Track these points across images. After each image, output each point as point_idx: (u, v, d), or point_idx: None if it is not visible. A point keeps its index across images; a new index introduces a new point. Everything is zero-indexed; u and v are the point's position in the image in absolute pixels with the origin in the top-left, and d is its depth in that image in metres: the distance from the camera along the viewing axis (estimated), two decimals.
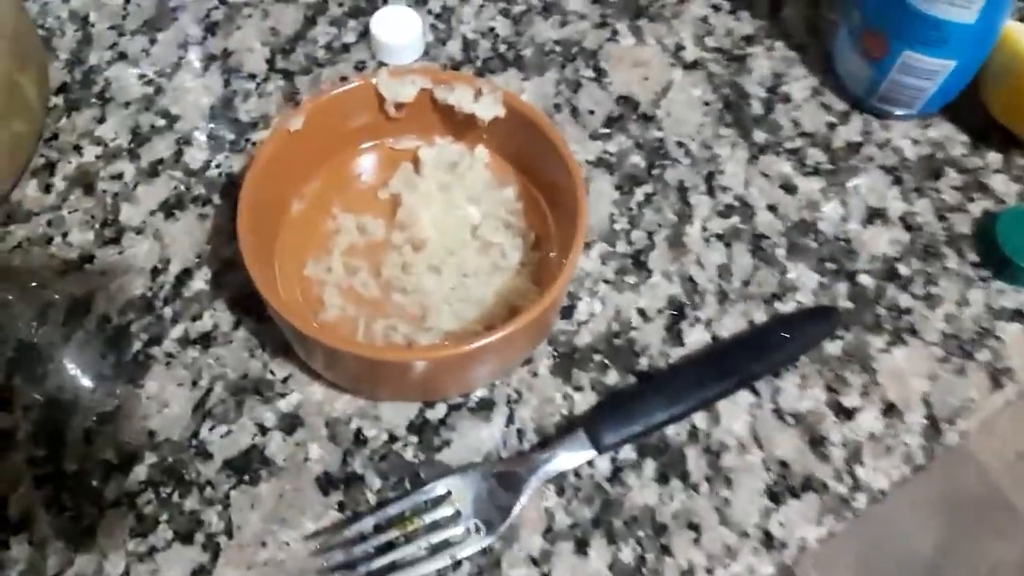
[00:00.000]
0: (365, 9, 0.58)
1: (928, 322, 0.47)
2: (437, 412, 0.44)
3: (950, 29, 0.47)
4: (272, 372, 0.45)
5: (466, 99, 0.44)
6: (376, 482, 0.42)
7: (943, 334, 0.46)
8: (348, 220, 0.46)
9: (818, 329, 0.45)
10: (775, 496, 0.41)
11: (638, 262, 0.48)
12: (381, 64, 0.56)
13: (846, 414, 0.44)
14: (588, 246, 0.49)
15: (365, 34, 0.57)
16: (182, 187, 0.51)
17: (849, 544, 1.21)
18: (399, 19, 0.55)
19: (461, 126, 0.46)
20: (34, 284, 0.47)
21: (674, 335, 0.46)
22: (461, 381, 0.42)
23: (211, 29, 0.58)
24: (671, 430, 0.43)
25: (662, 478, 0.42)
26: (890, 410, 0.44)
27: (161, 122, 0.54)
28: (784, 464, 0.42)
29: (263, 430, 0.43)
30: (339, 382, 0.43)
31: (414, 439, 0.43)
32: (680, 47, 0.57)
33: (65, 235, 0.49)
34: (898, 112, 0.53)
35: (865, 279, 0.48)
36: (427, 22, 0.58)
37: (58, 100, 0.55)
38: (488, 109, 0.44)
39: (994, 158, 0.53)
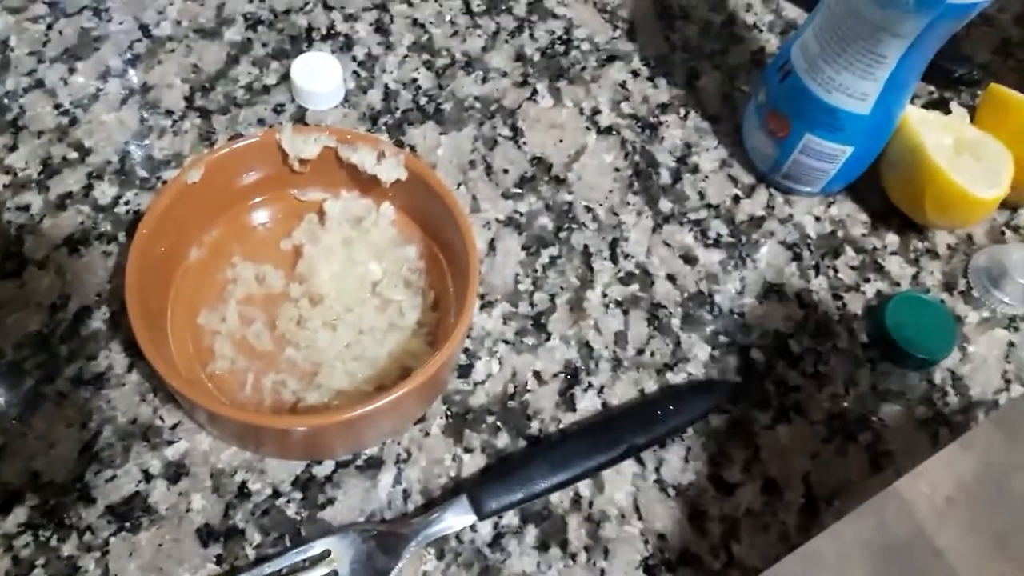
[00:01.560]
0: (288, 52, 0.59)
1: (814, 400, 0.48)
2: (324, 469, 0.44)
3: (846, 118, 0.48)
4: (161, 418, 0.44)
5: (369, 160, 0.45)
6: (256, 537, 0.42)
7: (828, 413, 0.48)
8: (247, 269, 0.46)
9: (705, 403, 0.46)
10: (651, 569, 0.42)
11: (538, 324, 0.49)
12: (300, 108, 0.56)
13: (727, 489, 0.45)
14: (491, 305, 0.49)
15: (287, 76, 0.57)
16: (89, 223, 0.51)
17: None
18: (320, 65, 0.56)
19: (367, 183, 0.47)
20: None
21: (567, 400, 0.47)
22: (349, 442, 0.43)
23: (132, 62, 0.58)
24: (555, 497, 0.44)
25: (542, 546, 0.42)
26: (770, 487, 0.45)
27: (73, 155, 0.53)
28: (662, 537, 0.43)
29: (148, 477, 0.43)
30: (223, 439, 0.43)
31: (298, 495, 0.43)
32: (596, 111, 0.59)
33: None
34: (804, 189, 0.55)
35: (756, 354, 0.49)
36: (350, 68, 0.58)
37: None
38: (390, 171, 0.44)
39: (892, 239, 0.55)
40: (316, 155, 0.45)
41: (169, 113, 0.56)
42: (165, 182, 0.52)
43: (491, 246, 0.52)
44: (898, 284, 0.53)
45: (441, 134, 0.56)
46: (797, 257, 0.54)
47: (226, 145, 0.44)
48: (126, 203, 0.51)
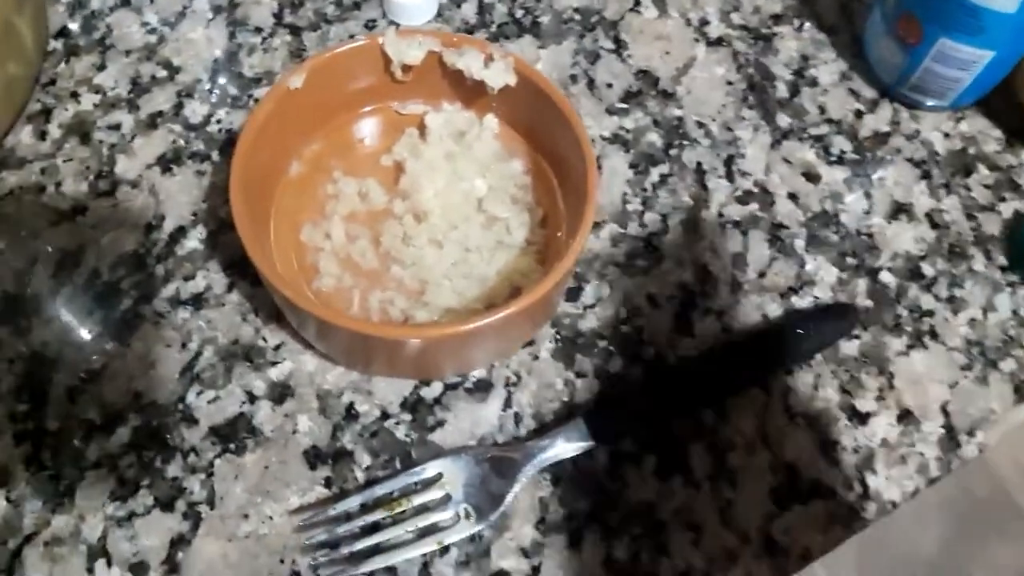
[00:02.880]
0: None
1: (951, 326, 0.45)
2: (432, 391, 0.42)
3: (989, 17, 0.44)
4: (264, 339, 0.43)
5: (476, 65, 0.42)
6: (365, 459, 0.40)
7: (966, 340, 0.44)
8: (349, 185, 0.44)
9: (835, 327, 0.43)
10: (781, 500, 0.40)
11: (650, 245, 0.46)
12: (392, 23, 0.54)
13: (860, 418, 0.42)
14: (598, 226, 0.47)
15: None
16: (181, 141, 0.49)
17: (851, 542, 1.20)
18: None
19: (470, 93, 0.44)
20: (24, 234, 0.46)
21: (684, 324, 0.44)
22: (458, 361, 0.41)
23: None
24: (675, 424, 0.41)
25: (663, 474, 0.40)
26: (906, 417, 0.42)
27: (162, 73, 0.52)
28: (792, 467, 0.41)
29: (252, 398, 0.41)
30: (331, 355, 0.42)
31: (407, 417, 0.41)
32: (705, 22, 0.55)
33: (59, 185, 0.47)
34: (930, 103, 0.51)
35: (887, 277, 0.46)
36: None
37: (57, 45, 0.52)
38: (499, 76, 0.42)
39: None
40: (420, 60, 0.42)
41: (258, 30, 0.53)
42: (257, 100, 0.50)
43: (596, 164, 0.49)
44: None
45: (540, 48, 0.53)
46: (926, 175, 0.50)
47: (328, 49, 0.42)
48: (218, 121, 0.50)
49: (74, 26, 0.53)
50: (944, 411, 0.42)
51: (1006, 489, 1.28)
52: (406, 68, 0.43)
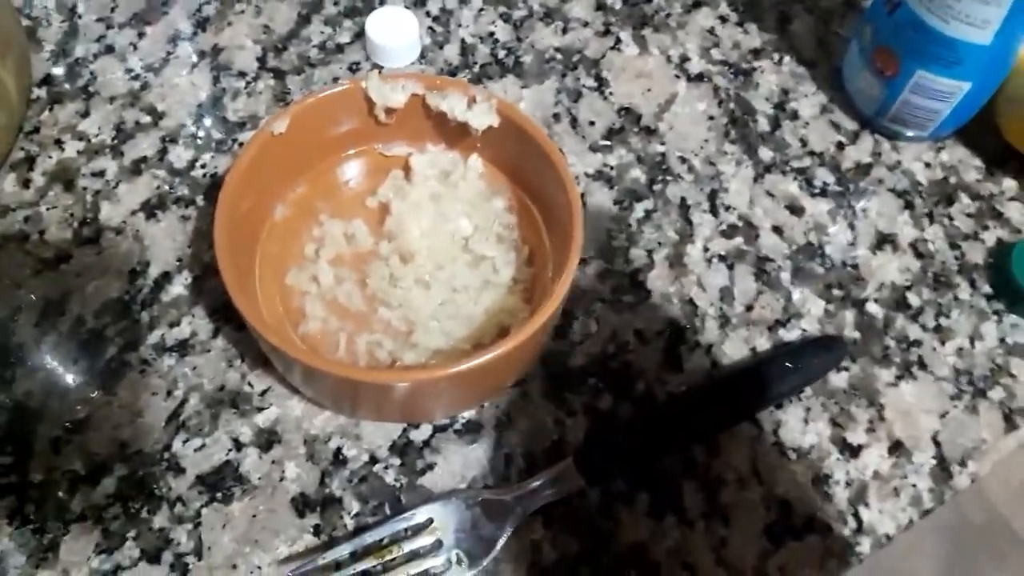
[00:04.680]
0: (361, 9, 0.56)
1: (939, 356, 0.45)
2: (421, 433, 0.41)
3: (965, 49, 0.45)
4: (250, 384, 0.43)
5: (459, 107, 0.42)
6: (354, 505, 0.40)
7: (954, 369, 0.44)
8: (335, 227, 0.44)
9: (824, 360, 0.43)
10: (774, 537, 0.39)
11: (636, 281, 0.46)
12: (375, 66, 0.54)
13: (851, 451, 0.42)
14: (584, 263, 0.47)
15: (360, 35, 0.55)
16: (165, 187, 0.49)
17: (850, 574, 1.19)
18: (396, 21, 0.53)
19: (454, 134, 0.44)
20: (7, 283, 0.45)
21: (672, 360, 0.44)
22: (447, 404, 0.40)
23: (202, 24, 0.56)
24: (666, 462, 0.41)
25: (656, 513, 0.40)
26: (897, 448, 0.42)
27: (146, 119, 0.52)
28: (785, 502, 0.40)
29: (239, 445, 0.41)
30: (318, 400, 0.41)
31: (396, 461, 0.41)
32: (685, 58, 0.55)
33: (42, 233, 0.47)
34: (909, 134, 0.51)
35: (873, 307, 0.46)
36: (424, 24, 0.56)
37: (41, 92, 0.52)
38: (482, 118, 0.42)
39: (1009, 185, 0.51)
40: (403, 103, 0.42)
41: (242, 75, 0.54)
42: (241, 144, 0.50)
43: (581, 201, 0.49)
44: (1019, 231, 0.49)
45: (523, 87, 0.54)
46: (909, 205, 0.50)
47: (312, 94, 0.42)
48: (202, 166, 0.50)
49: (58, 73, 0.53)
50: (935, 441, 0.42)
51: (1002, 515, 1.27)
52: (389, 111, 0.44)
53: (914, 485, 0.41)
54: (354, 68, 0.54)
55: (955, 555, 1.24)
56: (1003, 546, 1.28)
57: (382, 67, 0.54)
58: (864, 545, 0.39)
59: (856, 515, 0.40)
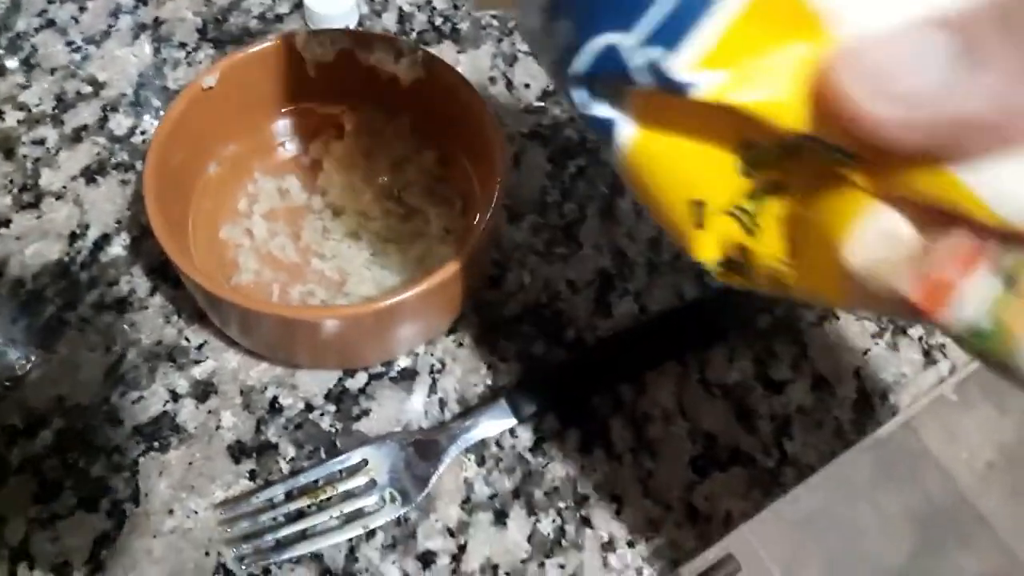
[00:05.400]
0: None
1: None
2: (357, 381, 0.42)
3: None
4: (187, 339, 0.43)
5: (387, 60, 0.43)
6: (290, 451, 0.40)
7: None
8: (268, 183, 0.44)
9: (748, 302, 0.44)
10: (700, 469, 0.41)
11: (569, 234, 0.47)
12: None
13: (775, 387, 0.43)
14: (519, 218, 0.48)
15: (300, 5, 0.56)
16: (105, 153, 0.49)
17: (818, 554, 1.21)
18: None
19: (384, 90, 0.45)
20: None
21: (603, 307, 0.45)
22: (380, 345, 0.41)
23: None
24: (595, 400, 0.42)
25: (585, 448, 0.41)
26: (820, 383, 0.43)
27: (87, 89, 0.52)
28: (710, 436, 0.41)
29: (175, 397, 0.42)
30: (254, 348, 0.42)
31: (332, 408, 0.42)
32: None
33: None
34: None
35: None
36: None
37: None
38: (409, 69, 0.43)
39: None
40: (332, 58, 0.43)
41: (182, 45, 0.54)
42: None
43: (516, 161, 0.50)
44: None
45: (459, 52, 0.55)
46: None
47: (241, 49, 0.43)
48: (142, 133, 0.50)
49: None
50: (858, 376, 0.44)
51: (967, 499, 1.29)
52: (320, 67, 0.44)
53: (836, 418, 0.42)
54: None
55: (923, 538, 1.26)
56: (969, 528, 1.30)
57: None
58: (788, 475, 0.40)
59: (780, 447, 0.41)
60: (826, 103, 0.20)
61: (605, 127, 0.23)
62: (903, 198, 0.21)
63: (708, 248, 0.25)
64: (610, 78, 0.22)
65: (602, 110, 0.23)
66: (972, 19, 0.19)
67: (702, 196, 0.24)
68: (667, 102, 0.21)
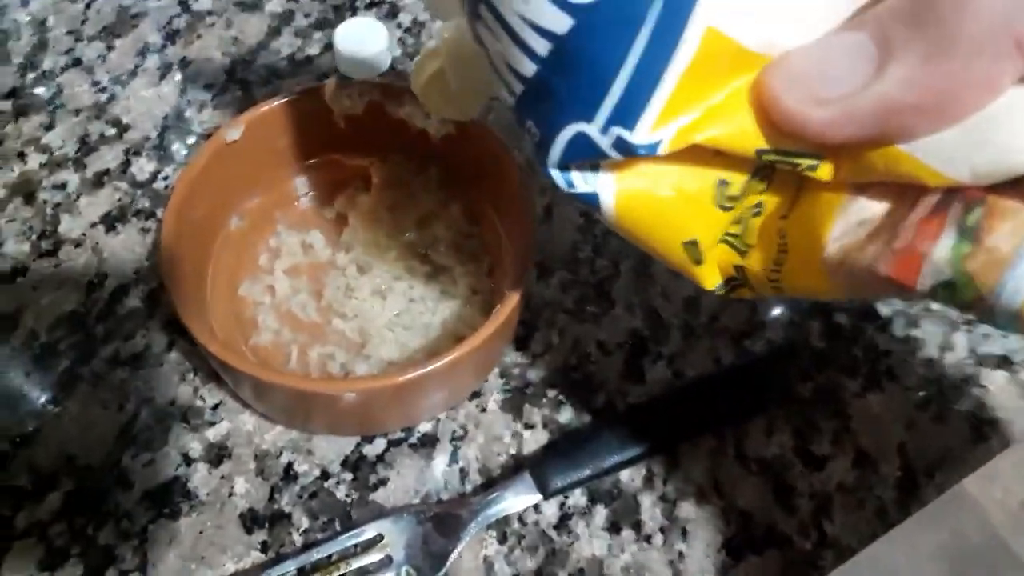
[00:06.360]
0: (331, 21, 0.56)
1: (907, 366, 0.44)
2: (375, 448, 0.41)
3: None
4: (202, 399, 0.42)
5: (418, 115, 0.41)
6: (304, 521, 0.39)
7: (923, 379, 0.43)
8: (291, 237, 0.43)
9: (789, 370, 0.42)
10: (734, 551, 0.38)
11: (600, 292, 0.46)
12: (343, 78, 0.53)
13: (815, 463, 0.41)
14: (549, 273, 0.46)
15: (330, 46, 0.54)
16: (126, 199, 0.48)
17: None
18: (365, 31, 0.52)
19: (413, 143, 0.44)
20: None
21: (634, 371, 0.43)
22: (400, 414, 0.39)
23: (171, 37, 0.56)
24: (625, 475, 0.40)
25: (613, 527, 0.39)
26: (863, 459, 0.41)
27: (111, 131, 0.51)
28: (746, 515, 0.39)
29: (188, 460, 0.40)
30: (269, 414, 0.40)
31: (348, 476, 0.40)
32: None
33: (0, 245, 0.47)
34: None
35: (841, 317, 0.45)
36: (395, 36, 0.55)
37: (6, 105, 0.52)
38: (441, 126, 0.41)
39: None
40: (361, 110, 0.42)
41: (209, 87, 0.53)
42: None
43: (547, 212, 0.48)
44: None
45: (492, 98, 0.53)
46: None
47: (267, 102, 0.41)
48: (165, 178, 0.49)
49: (24, 86, 0.53)
50: (902, 453, 0.41)
51: (1001, 537, 1.24)
52: (348, 119, 0.43)
53: (879, 497, 0.40)
54: (322, 79, 0.53)
55: None
56: (1002, 569, 1.26)
57: (351, 79, 0.53)
58: (827, 559, 0.38)
59: (819, 528, 0.39)
60: (767, 113, 0.22)
61: (591, 199, 0.25)
62: (872, 184, 0.23)
63: (712, 278, 0.29)
64: (584, 159, 0.24)
65: (584, 186, 0.25)
66: (885, 15, 0.21)
67: (693, 236, 0.27)
68: (641, 162, 0.24)
